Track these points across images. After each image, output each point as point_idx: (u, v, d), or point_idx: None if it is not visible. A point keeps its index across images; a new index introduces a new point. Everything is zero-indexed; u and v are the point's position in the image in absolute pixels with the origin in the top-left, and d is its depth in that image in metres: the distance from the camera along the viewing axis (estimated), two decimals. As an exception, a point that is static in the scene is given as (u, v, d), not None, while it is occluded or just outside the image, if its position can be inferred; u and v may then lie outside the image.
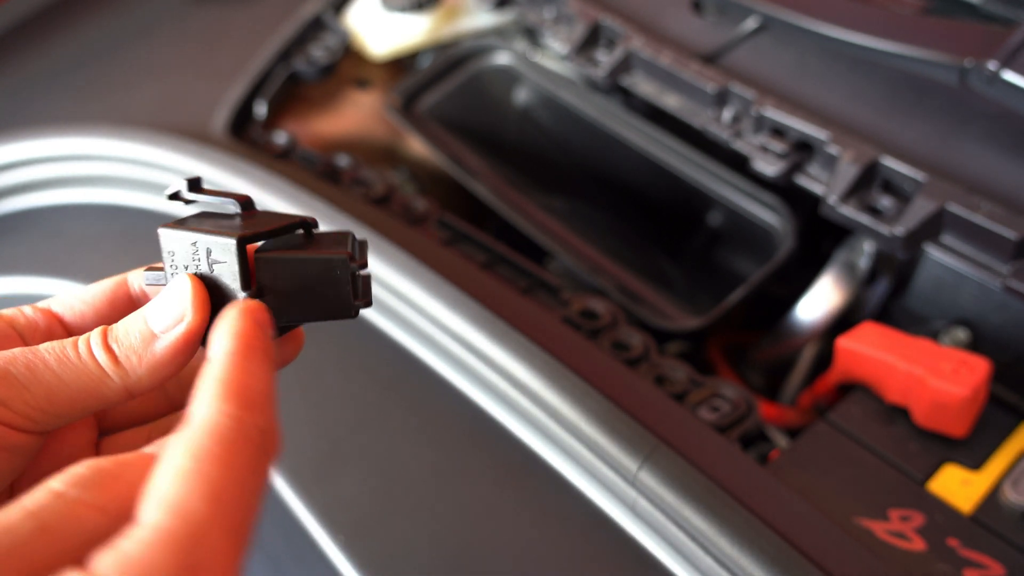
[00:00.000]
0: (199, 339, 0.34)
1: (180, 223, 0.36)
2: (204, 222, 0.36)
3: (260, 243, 0.35)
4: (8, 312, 0.37)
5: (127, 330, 0.34)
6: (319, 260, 0.35)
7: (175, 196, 0.37)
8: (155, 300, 0.35)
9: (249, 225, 0.35)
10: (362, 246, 0.38)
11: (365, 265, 0.36)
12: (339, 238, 0.37)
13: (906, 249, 0.56)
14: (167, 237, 0.35)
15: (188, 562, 0.26)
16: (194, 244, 0.35)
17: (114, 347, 0.34)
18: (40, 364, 0.33)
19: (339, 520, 0.50)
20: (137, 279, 0.38)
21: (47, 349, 0.34)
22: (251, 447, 0.29)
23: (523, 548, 0.49)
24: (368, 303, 0.37)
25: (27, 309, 0.37)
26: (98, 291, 0.39)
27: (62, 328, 0.38)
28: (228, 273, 0.34)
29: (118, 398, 0.34)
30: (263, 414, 0.30)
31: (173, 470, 0.27)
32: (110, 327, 0.35)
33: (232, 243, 0.34)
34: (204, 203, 0.37)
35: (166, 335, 0.34)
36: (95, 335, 0.34)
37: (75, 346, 0.34)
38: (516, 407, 0.53)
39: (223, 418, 0.29)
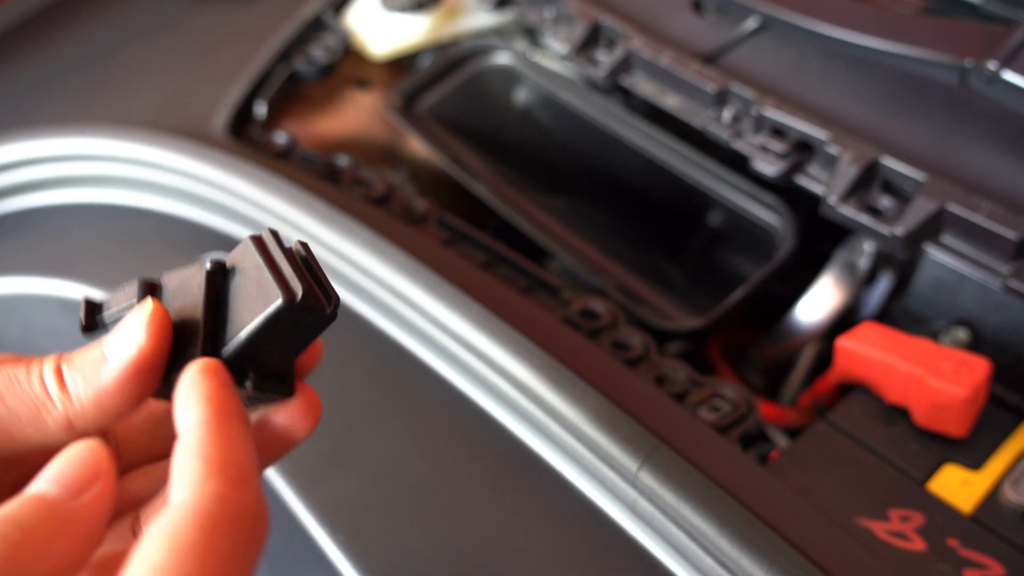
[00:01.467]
0: (150, 370, 0.31)
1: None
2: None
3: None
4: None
5: (83, 355, 0.31)
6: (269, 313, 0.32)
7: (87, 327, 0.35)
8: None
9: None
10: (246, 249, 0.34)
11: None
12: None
13: (906, 249, 0.56)
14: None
15: None
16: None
17: (64, 369, 0.31)
18: None
19: (338, 520, 0.50)
20: None
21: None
22: (241, 529, 0.26)
23: (523, 548, 0.49)
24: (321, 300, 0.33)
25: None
26: None
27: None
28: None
29: (59, 430, 0.31)
30: (251, 489, 0.26)
31: (151, 568, 0.24)
32: (70, 352, 0.32)
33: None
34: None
35: (114, 358, 0.30)
36: (51, 357, 0.31)
37: (29, 367, 0.31)
38: (516, 407, 0.53)
39: (206, 500, 0.25)
